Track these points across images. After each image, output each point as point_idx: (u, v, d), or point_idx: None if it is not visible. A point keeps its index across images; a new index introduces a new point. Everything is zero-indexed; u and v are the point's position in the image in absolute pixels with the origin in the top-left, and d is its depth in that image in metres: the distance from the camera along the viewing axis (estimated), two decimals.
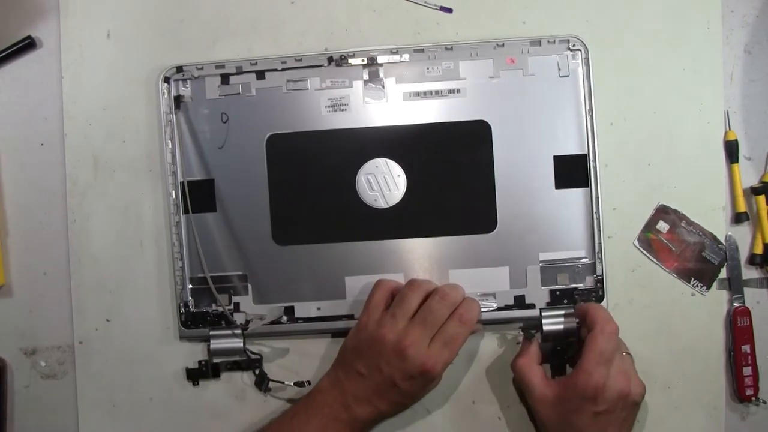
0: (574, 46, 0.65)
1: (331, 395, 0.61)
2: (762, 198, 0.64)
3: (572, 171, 0.65)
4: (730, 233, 0.65)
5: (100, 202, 0.68)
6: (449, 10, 0.67)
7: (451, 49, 0.65)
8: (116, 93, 0.68)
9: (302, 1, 0.67)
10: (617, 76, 0.65)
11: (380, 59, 0.66)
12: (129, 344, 0.68)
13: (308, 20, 0.67)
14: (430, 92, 0.66)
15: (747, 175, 0.65)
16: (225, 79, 0.67)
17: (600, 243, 0.64)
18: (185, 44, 0.68)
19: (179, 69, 0.66)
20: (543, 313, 0.63)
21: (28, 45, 0.68)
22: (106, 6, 0.68)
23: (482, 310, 0.63)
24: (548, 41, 0.65)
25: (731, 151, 0.65)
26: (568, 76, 0.65)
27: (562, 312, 0.63)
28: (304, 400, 0.63)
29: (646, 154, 0.65)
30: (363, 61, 0.66)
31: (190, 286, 0.67)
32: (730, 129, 0.65)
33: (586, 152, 0.64)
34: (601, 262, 0.64)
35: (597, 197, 0.64)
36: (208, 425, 0.68)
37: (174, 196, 0.66)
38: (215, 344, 0.66)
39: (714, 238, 0.65)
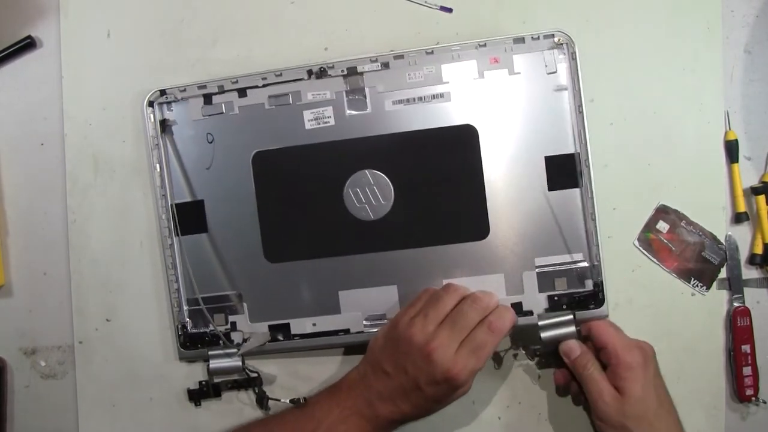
0: (559, 41, 0.63)
1: (357, 389, 0.60)
2: (762, 198, 0.64)
3: (565, 171, 0.63)
4: (730, 233, 0.65)
5: (100, 202, 0.68)
6: (449, 10, 0.67)
7: (432, 52, 0.64)
8: (116, 93, 0.68)
9: (302, 1, 0.67)
10: (617, 76, 0.65)
11: (360, 69, 0.64)
12: (129, 344, 0.68)
13: (308, 20, 0.67)
14: (413, 98, 0.64)
15: (747, 175, 0.65)
16: (208, 99, 0.66)
17: (597, 245, 0.62)
18: (185, 44, 0.68)
19: (162, 92, 0.66)
20: (540, 323, 0.62)
21: (28, 45, 0.68)
22: (106, 6, 0.68)
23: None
24: (532, 37, 0.63)
25: (731, 151, 0.65)
26: (555, 72, 0.63)
27: (561, 319, 0.62)
28: (328, 390, 0.62)
29: (646, 154, 0.65)
30: (343, 71, 0.65)
31: (187, 307, 0.67)
32: (730, 129, 0.65)
33: (578, 151, 0.63)
34: (600, 265, 0.63)
35: (592, 197, 0.62)
36: (209, 426, 0.68)
37: (165, 219, 0.66)
38: (214, 364, 0.65)
39: (714, 238, 0.65)
